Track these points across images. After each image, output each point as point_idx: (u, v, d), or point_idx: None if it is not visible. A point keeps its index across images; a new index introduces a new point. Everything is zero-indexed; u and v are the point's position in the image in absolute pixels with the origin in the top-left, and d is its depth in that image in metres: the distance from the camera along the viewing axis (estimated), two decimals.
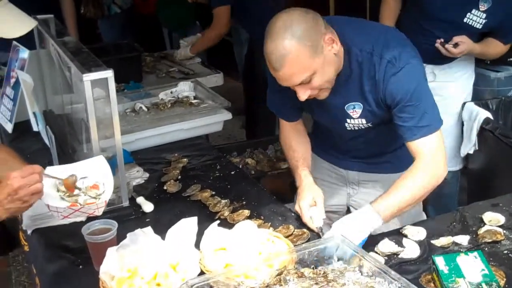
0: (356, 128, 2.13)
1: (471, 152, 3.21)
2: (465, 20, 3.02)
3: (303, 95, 1.94)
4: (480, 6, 2.97)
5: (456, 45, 3.02)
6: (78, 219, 1.97)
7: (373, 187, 2.34)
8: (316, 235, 2.01)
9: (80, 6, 5.48)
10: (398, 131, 2.00)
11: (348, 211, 2.43)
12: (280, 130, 2.37)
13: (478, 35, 3.10)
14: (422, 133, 1.95)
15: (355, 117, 2.08)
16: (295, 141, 2.31)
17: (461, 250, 1.89)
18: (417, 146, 1.97)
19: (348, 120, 2.11)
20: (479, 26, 3.01)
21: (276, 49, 1.83)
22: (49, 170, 1.86)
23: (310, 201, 2.10)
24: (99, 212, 1.82)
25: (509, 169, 3.00)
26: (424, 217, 2.41)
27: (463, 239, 1.95)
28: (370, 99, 2.01)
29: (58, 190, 1.83)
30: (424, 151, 1.96)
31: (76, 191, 1.84)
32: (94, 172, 1.91)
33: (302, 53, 1.83)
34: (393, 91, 1.94)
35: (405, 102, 1.94)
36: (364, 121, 2.08)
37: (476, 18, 3.00)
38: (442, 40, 3.04)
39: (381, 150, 2.29)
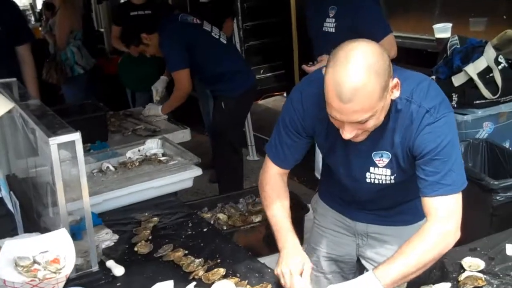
0: (376, 182, 2.02)
1: None
2: (323, 29, 3.47)
3: (349, 134, 1.81)
4: (329, 13, 3.44)
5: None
6: None
7: (383, 240, 2.25)
8: None
9: (42, 71, 5.46)
10: (418, 184, 1.89)
11: (359, 261, 2.35)
12: (264, 178, 2.18)
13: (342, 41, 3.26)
14: (442, 192, 1.84)
15: (381, 165, 1.98)
16: (283, 193, 2.16)
17: None
18: (433, 203, 1.85)
19: (371, 169, 2.00)
20: (332, 30, 3.42)
21: (349, 79, 1.68)
22: (8, 243, 1.80)
23: (300, 268, 1.95)
24: (59, 287, 1.75)
25: (482, 213, 3.00)
26: None
27: (445, 286, 1.92)
28: (399, 149, 1.92)
29: (16, 265, 1.76)
30: (439, 211, 1.84)
31: (35, 266, 1.77)
32: (56, 245, 1.85)
33: (375, 92, 1.71)
34: (425, 141, 1.84)
35: (433, 155, 1.84)
36: (388, 172, 1.98)
37: (329, 24, 3.45)
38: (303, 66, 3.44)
39: (394, 202, 2.18)
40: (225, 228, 2.95)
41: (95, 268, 2.14)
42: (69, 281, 1.85)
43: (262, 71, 7.11)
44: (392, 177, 2.01)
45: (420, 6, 4.84)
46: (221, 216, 3.00)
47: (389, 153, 1.94)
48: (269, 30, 6.95)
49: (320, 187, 2.45)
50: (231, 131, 4.51)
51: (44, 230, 2.29)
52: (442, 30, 4.28)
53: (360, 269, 2.38)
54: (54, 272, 1.77)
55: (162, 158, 3.01)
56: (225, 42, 4.48)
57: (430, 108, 1.84)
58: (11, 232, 2.35)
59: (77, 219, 2.33)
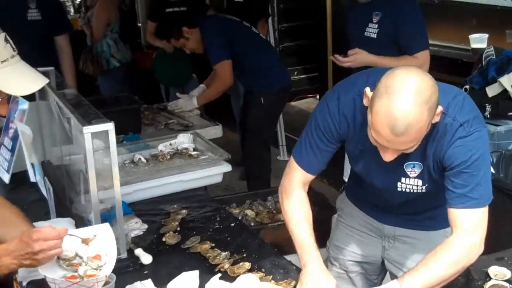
0: (408, 190, 2.02)
1: None
2: (365, 34, 3.45)
3: (391, 157, 1.82)
4: (373, 19, 3.43)
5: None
6: None
7: (410, 243, 2.24)
8: None
9: (79, 62, 5.55)
10: (445, 194, 1.90)
11: (383, 263, 2.35)
12: (288, 184, 2.13)
13: (382, 49, 3.40)
14: (469, 204, 1.85)
15: (412, 176, 1.98)
16: (307, 208, 2.11)
17: None
18: (459, 215, 1.86)
19: (403, 179, 2.00)
20: (374, 35, 3.42)
21: (405, 114, 1.67)
22: None
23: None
24: (99, 286, 1.76)
25: (511, 223, 2.97)
26: None
27: None
28: (430, 161, 1.92)
29: (58, 258, 1.79)
30: (465, 223, 1.85)
31: (77, 260, 1.80)
32: (98, 240, 1.86)
33: (426, 125, 1.73)
34: (455, 154, 1.84)
35: (463, 168, 1.84)
36: (420, 182, 1.99)
37: (372, 30, 3.44)
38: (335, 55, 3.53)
39: (424, 208, 2.18)
40: (252, 224, 2.97)
41: (124, 255, 2.19)
42: None
43: (296, 72, 7.10)
44: (424, 187, 2.00)
45: (456, 15, 4.79)
46: (249, 212, 3.02)
47: (421, 164, 1.94)
48: (304, 32, 6.94)
49: (348, 188, 2.45)
50: (266, 128, 4.53)
51: (75, 216, 2.35)
52: (478, 41, 4.24)
53: (383, 272, 2.39)
54: (95, 269, 1.78)
55: (193, 153, 3.05)
56: (264, 37, 4.51)
57: (464, 122, 1.84)
58: (44, 216, 2.41)
59: (108, 208, 2.38)
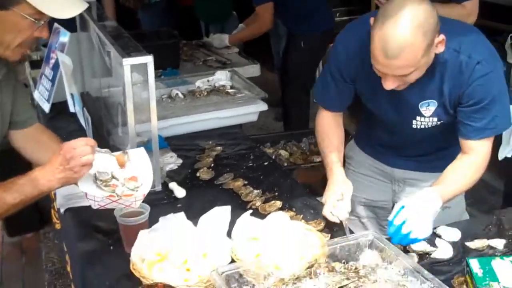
0: (423, 126, 2.06)
1: (509, 155, 3.15)
2: None
3: (391, 85, 1.85)
4: None
5: None
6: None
7: (419, 185, 2.25)
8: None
9: None
10: (461, 128, 1.98)
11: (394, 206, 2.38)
12: (317, 120, 2.27)
13: None
14: (487, 134, 1.96)
15: (427, 115, 2.02)
16: (333, 131, 2.22)
17: (496, 254, 1.86)
18: (476, 145, 1.97)
19: (418, 118, 2.04)
20: None
21: (397, 37, 1.71)
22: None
23: (338, 196, 2.05)
24: (136, 205, 1.82)
25: None
26: (467, 216, 2.39)
27: (499, 243, 1.91)
28: (447, 98, 1.95)
29: (96, 179, 1.83)
30: (481, 150, 1.97)
31: (113, 181, 1.84)
32: (133, 163, 1.89)
33: (421, 49, 1.74)
34: (475, 92, 1.89)
35: (482, 104, 1.91)
36: (435, 119, 2.02)
37: None
38: None
39: (436, 147, 2.22)
40: (285, 164, 2.99)
41: (158, 188, 2.23)
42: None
43: (338, 14, 6.97)
44: (439, 122, 2.05)
45: None
46: (282, 152, 3.04)
47: (436, 102, 1.98)
48: None
49: (358, 134, 2.48)
50: (306, 71, 4.49)
51: (112, 147, 2.39)
52: None
53: None
54: (132, 190, 1.82)
55: (230, 90, 3.05)
56: None
57: (481, 60, 1.87)
58: None
59: (144, 141, 2.40)
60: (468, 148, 1.98)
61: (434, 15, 1.75)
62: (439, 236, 1.96)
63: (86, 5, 1.80)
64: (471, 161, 1.98)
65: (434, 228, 1.99)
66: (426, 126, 2.05)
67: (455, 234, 1.95)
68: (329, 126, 2.23)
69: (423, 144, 2.19)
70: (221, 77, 3.19)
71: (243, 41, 4.42)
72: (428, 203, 1.85)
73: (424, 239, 1.86)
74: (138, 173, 1.87)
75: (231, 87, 3.11)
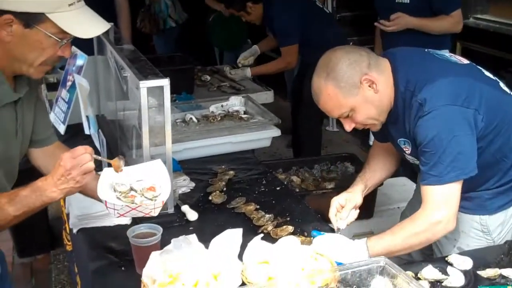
0: (415, 165, 2.11)
1: None
2: (396, 1, 3.61)
3: (347, 126, 2.05)
4: None
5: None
6: (132, 217, 2.01)
7: None
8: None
9: (136, 20, 5.61)
10: None
11: None
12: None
13: (416, 13, 3.56)
14: (429, 182, 1.94)
15: (407, 153, 2.09)
16: (376, 159, 2.33)
17: (508, 283, 1.84)
18: (424, 192, 1.97)
19: (405, 155, 2.13)
20: (407, 0, 3.57)
21: (313, 85, 2.00)
22: (108, 170, 1.90)
23: (342, 201, 2.17)
24: (156, 212, 1.85)
25: None
26: None
27: (511, 272, 1.90)
28: (411, 139, 2.01)
29: (115, 190, 1.85)
30: (428, 199, 1.95)
31: (132, 193, 1.86)
32: (151, 174, 1.94)
33: (334, 93, 1.95)
34: (416, 134, 1.95)
35: (422, 146, 1.93)
36: (415, 159, 2.07)
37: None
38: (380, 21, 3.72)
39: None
40: (297, 190, 2.99)
41: (171, 210, 2.25)
42: (146, 219, 1.95)
43: (351, 43, 7.02)
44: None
45: None
46: (294, 178, 3.04)
47: (409, 141, 2.04)
48: (362, 2, 6.84)
49: None
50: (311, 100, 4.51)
51: None
52: None
53: None
54: (151, 199, 1.86)
55: (243, 116, 3.08)
56: (327, 11, 4.47)
57: (422, 101, 1.90)
58: (97, 168, 2.47)
59: None
60: (422, 197, 1.98)
61: (348, 58, 1.94)
62: (451, 264, 1.95)
63: (108, 26, 1.84)
64: (418, 216, 1.96)
65: (446, 257, 1.99)
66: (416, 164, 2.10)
67: (467, 263, 1.94)
68: (375, 154, 2.35)
69: None
70: (235, 102, 3.22)
71: (265, 74, 4.45)
72: (352, 249, 1.94)
73: None
74: (156, 183, 1.91)
75: (245, 113, 3.13)
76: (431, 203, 1.94)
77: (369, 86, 1.95)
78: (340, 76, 1.93)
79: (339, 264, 1.83)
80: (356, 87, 1.94)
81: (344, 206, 2.18)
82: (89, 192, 1.96)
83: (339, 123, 5.90)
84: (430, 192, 1.94)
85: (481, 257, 2.00)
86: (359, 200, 2.21)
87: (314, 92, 2.00)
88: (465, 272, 1.91)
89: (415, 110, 1.93)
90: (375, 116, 2.02)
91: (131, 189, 1.87)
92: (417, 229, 1.95)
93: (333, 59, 1.96)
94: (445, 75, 1.96)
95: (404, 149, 2.08)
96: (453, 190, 1.93)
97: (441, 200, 1.93)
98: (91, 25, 1.78)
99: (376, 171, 2.32)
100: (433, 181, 1.93)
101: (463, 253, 2.04)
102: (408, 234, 1.96)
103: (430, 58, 2.08)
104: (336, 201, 2.18)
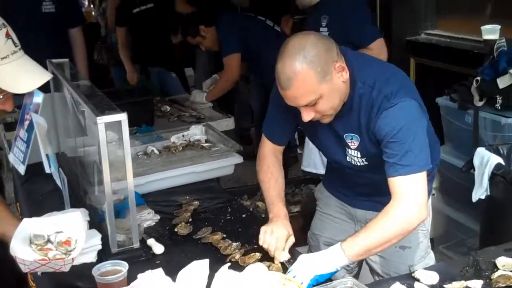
0: (353, 163, 2.16)
1: (483, 197, 3.19)
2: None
3: (307, 116, 1.99)
4: (322, 23, 3.56)
5: None
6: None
7: None
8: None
9: (93, 53, 5.59)
10: (384, 167, 2.01)
11: None
12: (262, 152, 2.38)
13: None
14: (401, 172, 1.95)
15: (353, 147, 2.11)
16: (276, 170, 2.34)
17: None
18: (395, 184, 1.97)
19: (348, 150, 2.14)
20: (326, 32, 3.51)
21: (285, 69, 1.90)
22: (27, 221, 1.90)
23: (284, 239, 2.14)
24: (67, 268, 1.84)
25: None
26: (432, 256, 2.43)
27: (477, 284, 1.92)
28: (364, 133, 2.05)
29: (31, 242, 1.86)
30: (401, 191, 1.96)
31: (48, 245, 1.87)
32: (70, 227, 1.93)
33: (310, 77, 1.89)
34: (382, 126, 1.97)
35: (390, 138, 1.96)
36: (359, 154, 2.11)
37: (323, 33, 3.46)
38: None
39: (385, 189, 2.21)
40: (263, 216, 3.00)
41: (136, 245, 2.21)
42: (112, 255, 1.93)
43: None
44: (363, 159, 2.13)
45: (469, 7, 4.77)
46: (260, 204, 3.06)
47: (358, 136, 2.07)
48: None
49: (324, 176, 2.61)
50: None
51: (89, 207, 2.39)
52: (490, 32, 4.20)
53: None
54: (64, 254, 1.85)
55: (205, 144, 3.08)
56: (279, 30, 4.51)
57: (388, 94, 1.96)
58: (59, 206, 2.45)
59: (121, 198, 2.41)
60: (391, 190, 1.99)
61: (321, 44, 1.92)
62: (418, 280, 1.97)
63: (49, 76, 1.79)
64: (390, 209, 1.97)
65: (412, 273, 2.01)
66: (356, 163, 2.15)
67: (433, 277, 1.96)
68: (273, 163, 2.35)
69: (377, 185, 2.19)
70: (196, 132, 3.22)
71: (218, 97, 4.46)
72: (328, 258, 1.95)
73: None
74: (73, 236, 1.91)
75: (206, 141, 3.14)
76: (403, 193, 1.95)
77: (339, 73, 1.95)
78: (317, 60, 1.90)
79: (320, 278, 1.86)
80: (329, 73, 1.93)
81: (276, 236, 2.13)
82: (9, 240, 1.92)
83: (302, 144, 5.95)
84: (402, 182, 1.95)
85: (447, 271, 2.02)
86: (287, 225, 2.20)
87: (287, 77, 1.90)
88: (432, 287, 1.93)
89: (378, 104, 1.96)
90: (336, 107, 2.02)
91: (48, 240, 1.88)
92: (393, 222, 1.96)
93: (308, 43, 1.91)
94: (397, 72, 2.08)
95: (350, 144, 2.11)
96: (423, 179, 1.97)
97: (414, 190, 1.96)
98: (29, 78, 1.73)
99: (278, 178, 2.33)
100: (406, 171, 1.95)
101: (429, 267, 2.06)
102: (384, 229, 1.96)
103: (375, 59, 2.20)
104: (282, 240, 2.14)
